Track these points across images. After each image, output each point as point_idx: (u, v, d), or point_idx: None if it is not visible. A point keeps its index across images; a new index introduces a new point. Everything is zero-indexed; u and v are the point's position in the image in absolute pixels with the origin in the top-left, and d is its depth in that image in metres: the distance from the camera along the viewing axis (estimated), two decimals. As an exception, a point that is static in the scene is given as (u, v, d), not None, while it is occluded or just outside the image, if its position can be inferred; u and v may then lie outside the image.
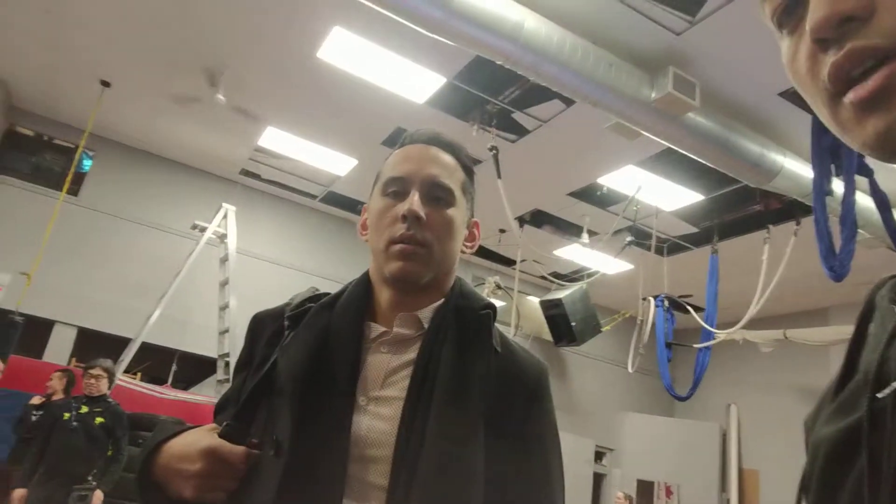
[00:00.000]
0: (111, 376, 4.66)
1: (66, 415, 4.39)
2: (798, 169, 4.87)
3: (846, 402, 0.46)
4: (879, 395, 0.41)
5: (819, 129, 4.41)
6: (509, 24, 3.76)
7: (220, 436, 0.86)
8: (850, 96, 0.39)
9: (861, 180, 4.36)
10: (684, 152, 4.75)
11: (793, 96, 4.60)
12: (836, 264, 4.41)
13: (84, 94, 6.15)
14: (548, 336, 8.28)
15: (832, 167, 4.40)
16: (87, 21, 5.06)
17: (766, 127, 4.89)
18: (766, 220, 6.15)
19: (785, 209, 5.96)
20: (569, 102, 5.04)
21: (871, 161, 4.42)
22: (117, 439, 4.49)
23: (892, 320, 0.44)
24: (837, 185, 4.39)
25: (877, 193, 4.32)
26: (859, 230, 4.45)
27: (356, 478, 0.82)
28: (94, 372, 4.55)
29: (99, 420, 4.43)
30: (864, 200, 4.58)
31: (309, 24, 4.67)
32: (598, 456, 9.30)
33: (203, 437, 0.86)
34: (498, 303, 8.47)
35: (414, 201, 0.92)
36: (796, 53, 0.44)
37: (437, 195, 0.95)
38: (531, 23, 3.84)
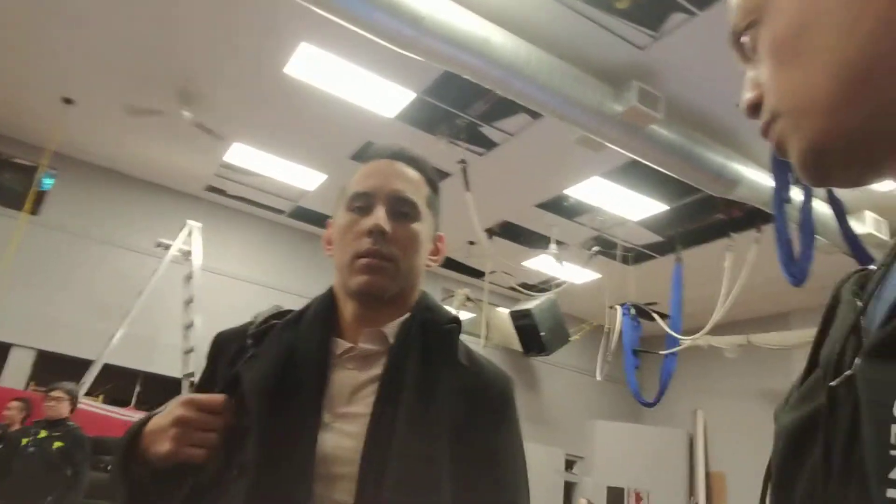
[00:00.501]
0: (73, 399, 4.51)
1: (25, 440, 4.26)
2: (758, 178, 5.02)
3: (806, 393, 0.48)
4: (832, 384, 0.43)
5: (777, 140, 4.56)
6: (477, 40, 3.81)
7: None
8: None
9: (818, 189, 4.51)
10: (649, 164, 4.86)
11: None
12: (796, 270, 4.55)
13: (46, 112, 6.01)
14: (517, 346, 8.34)
15: (790, 176, 4.55)
16: (49, 38, 4.95)
17: (728, 138, 5.03)
18: (729, 228, 6.31)
19: (746, 217, 6.13)
20: (536, 116, 5.11)
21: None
22: (76, 464, 4.32)
23: (852, 312, 0.46)
24: (797, 194, 4.54)
25: (834, 201, 4.48)
26: (817, 237, 4.60)
27: (322, 496, 0.82)
28: (54, 395, 4.41)
29: (57, 444, 4.27)
30: (821, 208, 4.74)
31: (276, 40, 4.65)
32: (569, 464, 9.35)
33: (183, 395, 0.87)
34: (468, 314, 8.52)
35: (379, 216, 0.93)
36: None
37: (403, 210, 0.96)
38: (498, 38, 3.90)
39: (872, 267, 0.52)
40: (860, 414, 0.39)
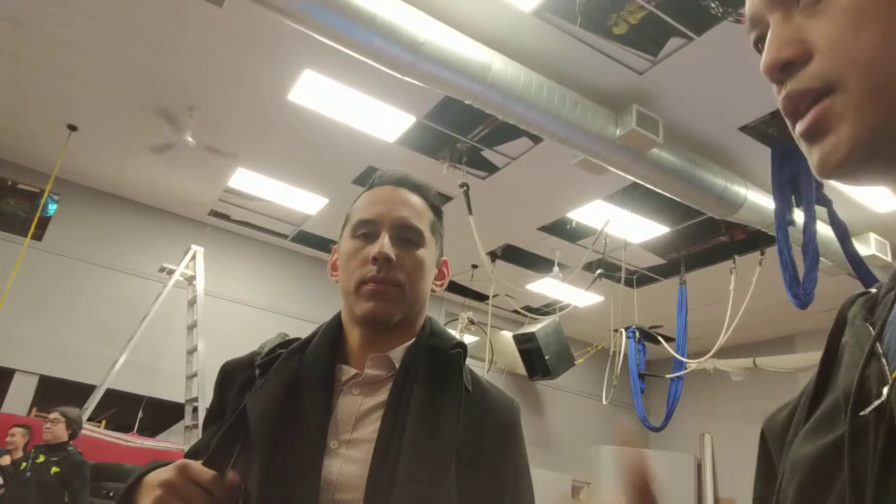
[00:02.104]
0: (70, 422, 4.40)
1: (24, 464, 4.20)
2: (760, 200, 5.02)
3: (824, 420, 0.47)
4: (861, 414, 0.41)
5: (779, 162, 4.57)
6: (477, 65, 3.84)
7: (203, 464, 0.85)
8: (797, 128, 0.45)
9: (821, 210, 4.50)
10: (650, 186, 4.86)
11: (752, 131, 4.76)
12: (801, 292, 4.52)
13: (50, 139, 6.08)
14: (522, 370, 8.28)
15: (793, 198, 4.55)
16: (54, 65, 5.03)
17: (728, 160, 5.03)
18: (732, 250, 6.29)
19: (749, 240, 6.11)
20: (537, 140, 5.14)
21: (829, 191, 4.57)
22: (74, 491, 4.19)
23: (868, 338, 0.45)
24: (799, 216, 4.53)
25: (836, 223, 4.47)
26: (821, 259, 4.58)
27: None
28: (51, 417, 4.34)
29: (54, 469, 4.16)
30: (824, 230, 4.72)
31: (280, 68, 4.71)
32: (575, 490, 9.22)
33: (182, 459, 0.85)
34: (471, 338, 8.48)
35: (384, 243, 0.93)
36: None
37: (407, 237, 0.97)
38: (498, 64, 3.93)
39: (873, 290, 0.51)
40: None
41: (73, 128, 5.88)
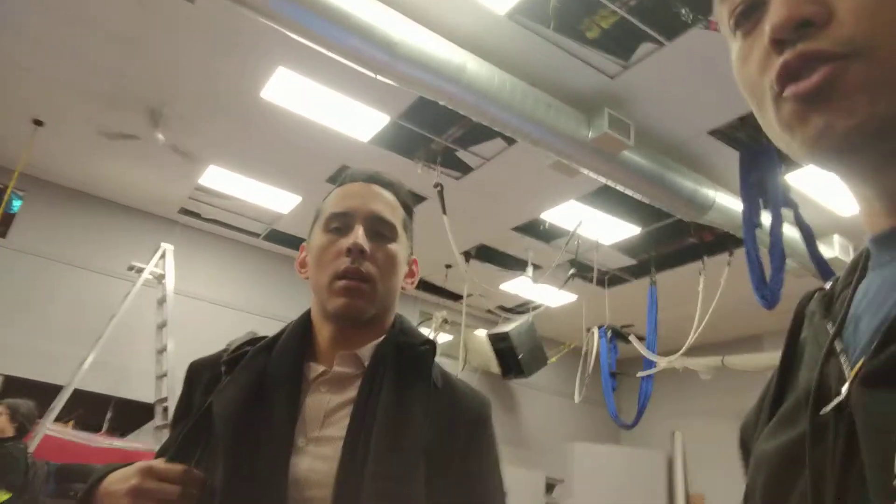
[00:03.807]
0: (15, 415, 4.15)
1: None
2: (729, 203, 5.10)
3: (786, 418, 0.47)
4: (821, 413, 0.42)
5: (747, 165, 4.66)
6: (452, 66, 3.85)
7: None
8: (792, 89, 0.42)
9: (787, 213, 4.59)
10: (621, 188, 4.92)
11: (722, 134, 4.84)
12: (768, 293, 4.61)
13: (15, 134, 5.93)
14: (496, 369, 8.31)
15: (760, 201, 4.63)
16: (19, 59, 4.91)
17: (698, 164, 5.11)
18: (701, 251, 6.39)
19: (718, 241, 6.21)
20: (510, 141, 5.16)
21: (795, 195, 4.67)
22: (14, 488, 3.92)
23: (826, 337, 0.45)
24: (766, 218, 4.62)
25: (802, 225, 4.56)
26: (788, 260, 4.67)
27: None
28: None
29: None
30: (791, 232, 4.82)
31: (252, 64, 4.66)
32: (549, 487, 9.29)
33: (143, 461, 0.84)
34: (446, 337, 8.49)
35: (358, 235, 0.94)
36: (749, 55, 0.47)
37: (380, 230, 0.97)
38: (473, 66, 3.94)
39: (828, 286, 0.52)
40: (857, 443, 0.38)
41: (38, 122, 5.75)
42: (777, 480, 0.45)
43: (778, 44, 0.42)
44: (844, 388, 0.40)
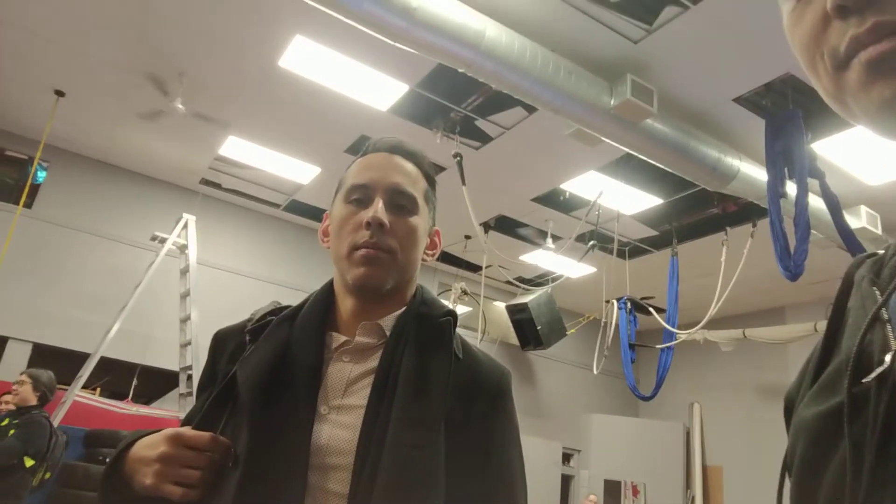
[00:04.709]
0: (37, 384, 4.17)
1: None
2: (753, 172, 5.01)
3: (827, 385, 0.47)
4: (864, 381, 0.41)
5: (772, 133, 4.55)
6: (471, 32, 3.79)
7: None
8: (861, 56, 0.40)
9: (813, 183, 4.50)
10: (644, 157, 4.85)
11: (747, 102, 4.73)
12: (791, 264, 4.54)
13: (38, 105, 5.99)
14: (514, 340, 8.35)
15: (785, 170, 4.54)
16: (40, 30, 4.93)
17: (723, 132, 5.02)
18: (724, 222, 6.31)
19: (741, 212, 6.13)
20: (531, 110, 5.10)
21: (821, 163, 4.57)
22: (36, 453, 3.95)
23: (873, 303, 0.45)
24: (791, 188, 4.53)
25: (828, 195, 4.47)
26: (812, 231, 4.59)
27: (316, 486, 0.82)
28: (18, 379, 4.19)
29: (12, 431, 3.97)
30: (816, 202, 4.73)
31: (270, 33, 4.63)
32: (566, 458, 9.38)
33: (171, 428, 0.86)
34: (464, 308, 8.52)
35: (378, 208, 0.93)
36: (802, 18, 0.45)
37: (401, 203, 0.96)
38: (492, 31, 3.88)
39: (881, 252, 0.50)
40: None
41: (60, 93, 5.79)
42: (816, 448, 0.45)
43: (841, 10, 0.41)
44: (888, 357, 0.40)
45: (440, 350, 0.92)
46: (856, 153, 5.00)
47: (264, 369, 0.89)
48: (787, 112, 4.50)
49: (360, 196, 0.96)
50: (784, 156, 4.51)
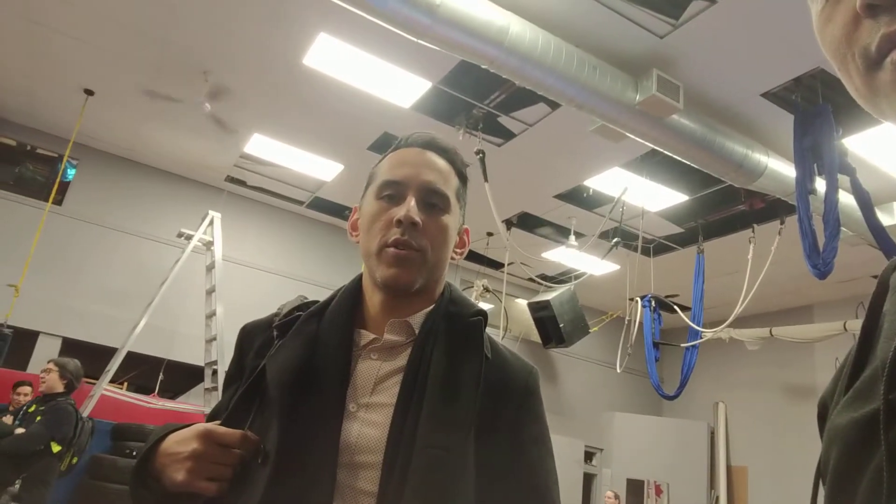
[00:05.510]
0: (64, 372, 4.24)
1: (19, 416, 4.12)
2: (781, 168, 4.93)
3: (862, 391, 0.46)
4: None
5: (801, 129, 4.47)
6: (494, 28, 3.77)
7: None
8: (894, 55, 0.40)
9: (843, 179, 4.41)
10: (669, 154, 4.79)
11: (775, 97, 4.65)
12: (820, 262, 4.46)
13: (67, 103, 6.10)
14: (536, 338, 8.31)
15: (814, 166, 4.45)
16: (69, 29, 5.02)
17: (750, 128, 4.94)
18: (751, 219, 6.21)
19: (769, 208, 6.03)
20: (554, 106, 5.07)
21: (851, 160, 4.48)
22: (63, 439, 4.03)
23: None
24: (820, 184, 4.45)
25: (858, 191, 4.37)
26: (842, 228, 4.50)
27: (345, 484, 0.82)
28: (45, 367, 4.27)
29: (38, 418, 4.04)
30: (846, 199, 4.64)
31: (294, 31, 4.66)
32: (588, 456, 9.33)
33: (202, 424, 0.86)
34: (486, 305, 8.51)
35: (410, 207, 0.92)
36: (831, 18, 0.45)
37: (433, 202, 0.95)
38: (516, 27, 3.86)
39: None
40: None
41: (89, 92, 5.89)
42: (851, 456, 0.44)
43: (871, 8, 0.40)
44: None
45: (470, 350, 0.91)
46: (888, 149, 4.89)
47: (293, 366, 0.88)
48: (817, 107, 4.42)
49: (393, 192, 0.95)
50: (813, 152, 4.42)
